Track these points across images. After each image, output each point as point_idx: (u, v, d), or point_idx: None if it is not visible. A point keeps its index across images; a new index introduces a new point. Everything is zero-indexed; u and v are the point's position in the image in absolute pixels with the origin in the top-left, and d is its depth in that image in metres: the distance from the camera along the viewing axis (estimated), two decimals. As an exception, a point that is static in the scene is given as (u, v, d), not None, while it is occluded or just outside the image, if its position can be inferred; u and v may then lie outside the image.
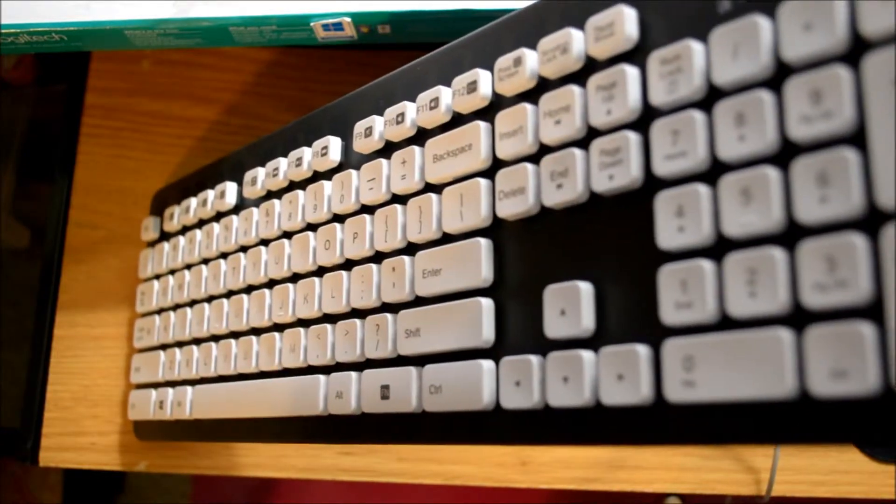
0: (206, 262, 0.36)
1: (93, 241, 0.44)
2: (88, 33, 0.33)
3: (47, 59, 0.49)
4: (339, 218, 0.29)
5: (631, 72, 0.20)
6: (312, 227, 0.30)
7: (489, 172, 0.24)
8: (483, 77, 0.24)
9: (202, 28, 0.32)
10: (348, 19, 0.31)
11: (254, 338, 0.32)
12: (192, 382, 0.35)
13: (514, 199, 0.23)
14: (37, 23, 0.32)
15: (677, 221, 0.19)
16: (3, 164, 0.53)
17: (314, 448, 0.42)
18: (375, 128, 0.28)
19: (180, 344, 0.37)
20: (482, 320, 0.23)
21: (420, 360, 0.25)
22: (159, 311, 0.38)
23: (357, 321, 0.27)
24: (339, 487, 0.80)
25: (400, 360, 0.26)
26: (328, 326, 0.28)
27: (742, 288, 0.17)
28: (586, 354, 0.20)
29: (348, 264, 0.29)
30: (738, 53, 0.18)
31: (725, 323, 0.18)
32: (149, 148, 0.44)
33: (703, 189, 0.18)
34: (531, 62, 0.23)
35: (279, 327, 0.31)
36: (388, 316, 0.26)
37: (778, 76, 0.18)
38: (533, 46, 0.23)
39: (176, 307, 0.37)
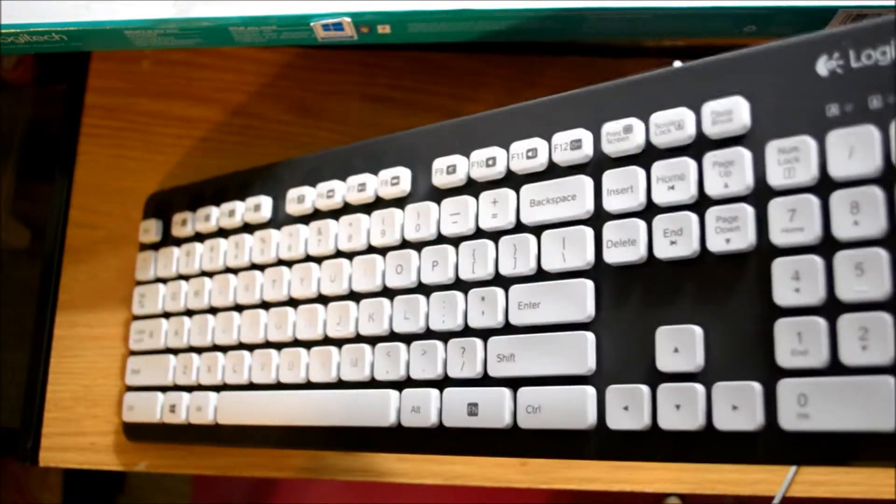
0: (233, 271, 0.38)
1: (93, 241, 0.44)
2: (88, 33, 0.33)
3: (47, 59, 0.49)
4: (410, 244, 0.33)
5: (747, 154, 0.25)
6: (377, 251, 0.34)
7: (589, 221, 0.29)
8: (587, 137, 0.29)
9: (202, 28, 0.33)
10: (348, 19, 0.31)
11: (302, 350, 0.35)
12: (215, 388, 0.38)
13: (623, 248, 0.27)
14: (37, 23, 0.33)
15: (794, 284, 0.24)
16: (3, 164, 0.53)
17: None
18: (459, 166, 0.32)
19: (199, 350, 0.38)
20: (587, 351, 0.27)
21: (508, 383, 0.29)
22: (166, 315, 0.40)
23: (438, 342, 0.31)
24: (339, 487, 0.80)
25: (486, 381, 0.30)
26: (401, 345, 0.32)
27: (855, 342, 0.22)
28: (699, 386, 0.25)
29: (422, 289, 0.32)
30: (854, 154, 0.23)
31: (837, 369, 0.23)
32: (149, 148, 0.45)
33: (818, 259, 0.24)
34: (640, 131, 0.28)
35: (335, 342, 0.34)
36: (477, 340, 0.30)
37: (887, 176, 0.23)
38: (635, 115, 0.28)
39: (189, 313, 0.39)
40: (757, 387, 0.24)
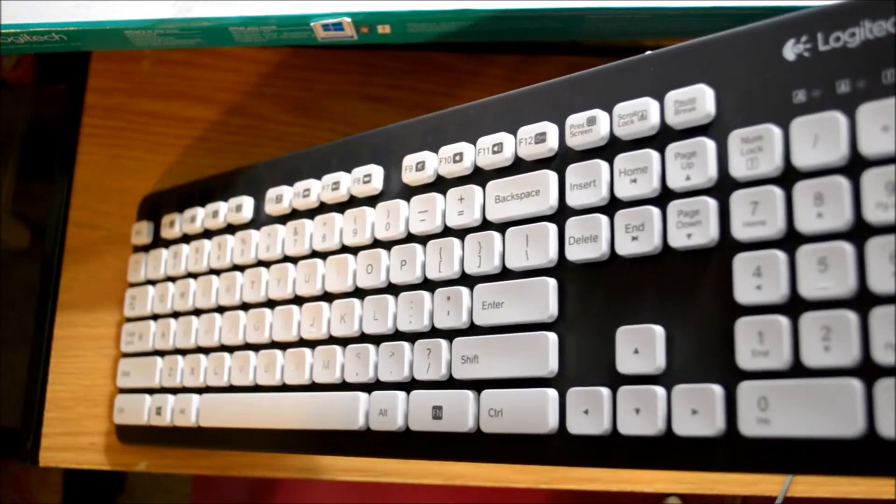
0: (216, 272, 0.37)
1: (93, 241, 0.44)
2: (88, 33, 0.33)
3: (47, 59, 0.49)
4: (381, 244, 0.32)
5: (710, 144, 0.24)
6: (350, 250, 0.33)
7: (553, 217, 0.27)
8: (551, 130, 0.28)
9: (202, 28, 0.33)
10: (348, 19, 0.31)
11: (278, 352, 0.34)
12: (198, 391, 0.37)
13: (585, 245, 0.26)
14: (37, 23, 0.33)
15: (755, 280, 0.22)
16: (3, 164, 0.53)
17: (314, 448, 0.42)
18: (428, 163, 0.31)
19: (183, 352, 0.38)
20: (549, 352, 0.26)
21: (472, 385, 0.28)
22: (155, 317, 0.40)
23: (405, 343, 0.30)
24: (339, 487, 0.80)
25: (451, 384, 0.29)
26: (370, 346, 0.31)
27: (817, 343, 0.21)
28: (659, 389, 0.24)
29: (391, 289, 0.31)
30: (818, 142, 0.22)
31: (799, 371, 0.21)
32: (149, 148, 0.45)
33: (781, 254, 0.22)
34: (604, 123, 0.27)
35: (308, 343, 0.33)
36: (442, 341, 0.29)
37: (853, 165, 0.21)
38: (599, 107, 0.27)
39: (176, 315, 0.39)
40: (717, 389, 0.23)
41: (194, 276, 0.38)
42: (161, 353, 0.39)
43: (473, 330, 0.28)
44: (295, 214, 0.35)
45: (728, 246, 0.23)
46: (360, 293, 0.32)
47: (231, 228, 0.37)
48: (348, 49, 0.45)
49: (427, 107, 0.45)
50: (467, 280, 0.29)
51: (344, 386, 0.31)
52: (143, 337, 0.39)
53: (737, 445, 0.22)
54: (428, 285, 0.30)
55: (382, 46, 0.46)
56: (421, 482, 0.40)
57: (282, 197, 0.35)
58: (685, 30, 0.33)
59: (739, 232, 0.23)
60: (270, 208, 0.35)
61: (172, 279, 0.39)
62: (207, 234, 0.38)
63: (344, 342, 0.32)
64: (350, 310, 0.31)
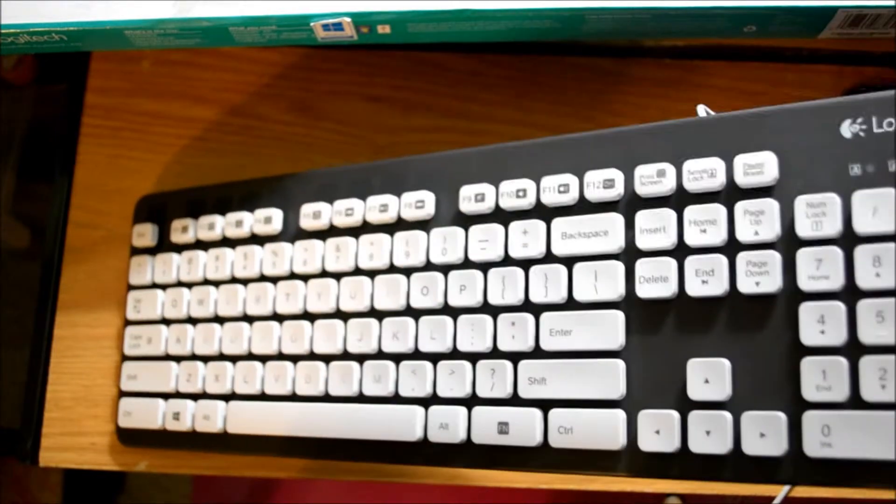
0: (241, 282, 0.39)
1: (93, 241, 0.44)
2: (88, 33, 0.33)
3: (47, 59, 0.49)
4: (435, 267, 0.35)
5: (776, 205, 0.29)
6: (400, 271, 0.35)
7: (620, 256, 0.31)
8: (619, 177, 0.31)
9: (202, 28, 0.33)
10: (348, 19, 0.31)
11: (321, 363, 0.36)
12: (223, 397, 0.39)
13: (655, 284, 0.30)
14: (37, 23, 0.33)
15: (819, 326, 0.27)
16: (3, 164, 0.54)
17: (314, 448, 0.42)
18: (488, 195, 0.34)
19: (204, 358, 0.39)
20: (619, 377, 0.30)
21: (538, 404, 0.32)
22: (165, 322, 0.41)
23: (465, 363, 0.33)
24: (339, 487, 0.80)
25: (516, 402, 0.32)
26: (426, 363, 0.34)
27: (875, 381, 0.26)
28: (727, 414, 0.28)
29: (448, 311, 0.34)
30: (877, 213, 0.27)
31: (858, 404, 0.26)
32: (149, 148, 0.45)
33: (842, 306, 0.27)
34: (672, 176, 0.31)
35: (354, 357, 0.36)
36: (506, 362, 0.32)
37: None
38: (667, 161, 0.31)
39: (193, 321, 0.40)
40: (783, 417, 0.27)
41: (214, 283, 0.40)
42: (175, 359, 0.40)
43: (538, 353, 0.32)
44: (334, 231, 0.37)
45: (793, 294, 0.28)
46: (412, 312, 0.35)
47: (258, 239, 0.39)
48: (348, 49, 0.45)
49: (428, 107, 0.46)
50: (530, 307, 0.32)
51: (397, 399, 0.34)
52: (152, 341, 0.41)
53: (801, 464, 0.27)
54: (488, 310, 0.33)
55: (382, 46, 0.46)
56: (421, 482, 0.40)
57: (320, 213, 0.37)
58: (685, 30, 0.33)
59: (805, 283, 0.27)
60: (306, 223, 0.38)
61: (187, 284, 0.41)
62: (229, 242, 0.40)
63: (396, 358, 0.35)
64: (403, 328, 0.34)
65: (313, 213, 0.37)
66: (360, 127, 0.46)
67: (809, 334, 0.27)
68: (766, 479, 0.27)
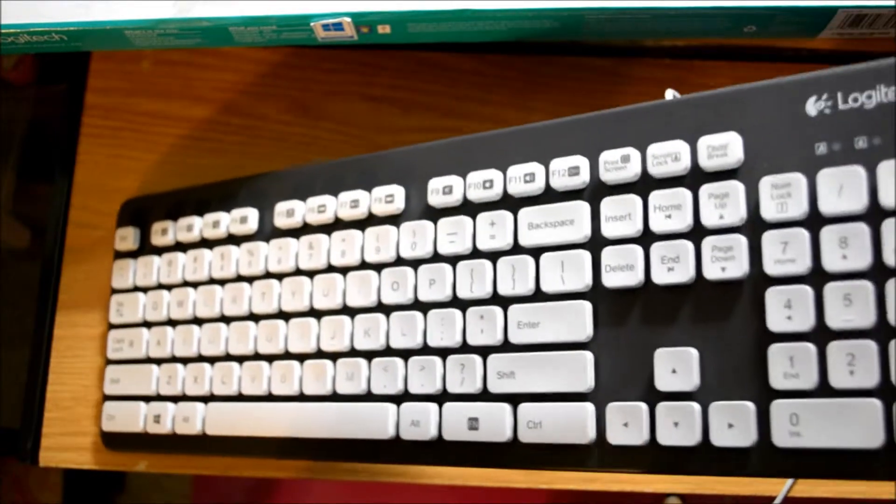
0: (219, 282, 0.39)
1: (93, 241, 0.44)
2: (88, 33, 0.33)
3: (47, 59, 0.49)
4: (406, 262, 0.34)
5: (741, 187, 0.28)
6: (372, 267, 0.35)
7: (587, 245, 0.30)
8: (584, 164, 0.31)
9: (202, 28, 0.33)
10: (348, 19, 0.31)
11: (295, 363, 0.36)
12: (202, 399, 0.39)
13: (621, 273, 0.29)
14: (37, 23, 0.33)
15: (786, 311, 0.26)
16: (3, 164, 0.54)
17: (314, 448, 0.42)
18: (455, 187, 0.33)
19: (184, 360, 0.39)
20: (586, 369, 0.30)
21: (508, 398, 0.31)
22: (147, 325, 0.41)
23: (436, 358, 0.32)
24: (339, 487, 0.80)
25: (486, 397, 0.32)
26: (398, 360, 0.33)
27: (843, 367, 0.25)
28: (696, 405, 0.27)
29: (418, 306, 0.34)
30: (843, 192, 0.26)
31: (826, 391, 0.25)
32: (149, 148, 0.45)
33: (809, 289, 0.26)
34: (637, 161, 0.30)
35: (328, 355, 0.35)
36: (476, 357, 0.32)
37: (874, 214, 0.25)
38: (632, 146, 0.30)
39: (173, 323, 0.40)
40: (751, 406, 0.27)
41: (193, 284, 0.40)
42: (156, 361, 0.40)
43: (507, 347, 0.31)
44: (308, 229, 0.37)
45: (759, 279, 0.27)
46: (383, 308, 0.34)
47: (234, 239, 0.39)
48: (348, 49, 0.45)
49: (428, 107, 0.46)
50: (499, 300, 0.32)
51: (369, 397, 0.34)
52: (133, 344, 0.41)
53: (770, 454, 0.26)
54: (458, 304, 0.33)
55: (382, 46, 0.46)
56: (421, 482, 0.40)
57: (293, 211, 0.37)
58: (685, 30, 0.33)
59: (771, 268, 0.27)
60: (280, 221, 0.37)
61: (167, 287, 0.41)
62: (207, 243, 0.40)
63: (369, 355, 0.34)
64: (375, 324, 0.34)
65: (287, 211, 0.37)
66: (360, 127, 0.46)
67: (776, 320, 0.26)
68: (734, 471, 0.27)
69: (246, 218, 0.38)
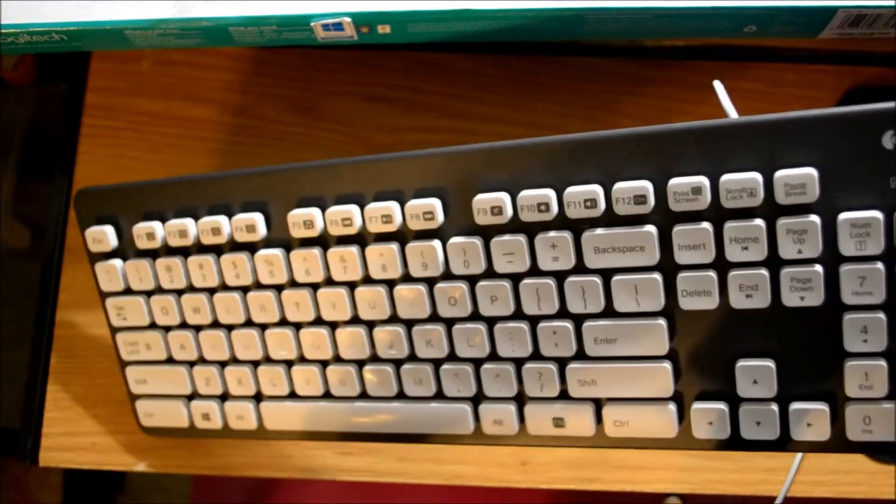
0: (243, 290, 0.37)
1: (93, 241, 0.44)
2: (88, 33, 0.33)
3: (47, 59, 0.49)
4: (452, 276, 0.34)
5: (818, 222, 0.28)
6: (419, 281, 0.34)
7: (657, 269, 0.31)
8: (650, 191, 0.30)
9: (202, 28, 0.33)
10: (348, 19, 0.31)
11: (352, 368, 0.36)
12: (251, 398, 0.39)
13: (698, 297, 0.30)
14: (37, 23, 0.33)
15: (862, 335, 0.29)
16: (3, 164, 0.54)
17: (314, 448, 0.42)
18: (506, 208, 0.32)
19: (219, 363, 0.39)
20: (668, 379, 0.32)
21: (590, 400, 0.33)
22: (161, 328, 0.39)
23: (510, 367, 0.34)
24: (339, 487, 0.81)
25: (565, 399, 0.34)
26: (467, 367, 0.34)
27: None
28: (776, 407, 0.31)
29: (479, 319, 0.34)
30: None
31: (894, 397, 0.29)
32: (149, 148, 0.45)
33: (884, 317, 0.28)
34: (707, 192, 0.29)
35: (387, 361, 0.36)
36: (552, 366, 0.33)
37: None
38: (703, 174, 0.30)
39: (191, 327, 0.39)
40: (826, 409, 0.30)
41: (205, 290, 0.38)
42: (182, 363, 0.40)
43: (583, 358, 0.33)
44: (334, 240, 0.35)
45: (836, 307, 0.29)
46: (441, 320, 0.34)
47: (238, 246, 0.37)
48: (348, 49, 0.45)
49: (428, 107, 0.46)
50: (569, 317, 0.32)
51: (441, 398, 0.35)
52: (151, 347, 0.40)
53: (843, 446, 0.30)
54: (523, 319, 0.33)
55: (382, 46, 0.46)
56: (421, 482, 0.40)
57: (312, 222, 0.35)
58: (686, 30, 0.33)
59: (849, 299, 0.29)
60: (297, 231, 0.35)
61: (174, 291, 0.39)
62: (203, 248, 0.38)
63: (435, 362, 0.35)
64: (435, 336, 0.34)
65: (304, 222, 0.34)
66: (360, 127, 0.46)
67: (852, 342, 0.29)
68: (813, 449, 0.31)
69: (254, 226, 0.36)
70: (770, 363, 0.30)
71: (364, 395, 0.36)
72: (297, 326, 0.37)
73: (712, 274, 0.30)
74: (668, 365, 0.31)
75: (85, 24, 0.34)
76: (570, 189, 0.31)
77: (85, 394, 0.44)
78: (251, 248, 0.36)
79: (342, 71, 0.46)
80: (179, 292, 0.39)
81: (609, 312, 0.32)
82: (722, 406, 0.31)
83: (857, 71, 0.43)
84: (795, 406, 0.30)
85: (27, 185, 0.57)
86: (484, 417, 0.34)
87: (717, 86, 0.33)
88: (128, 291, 0.40)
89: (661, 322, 0.31)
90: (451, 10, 0.33)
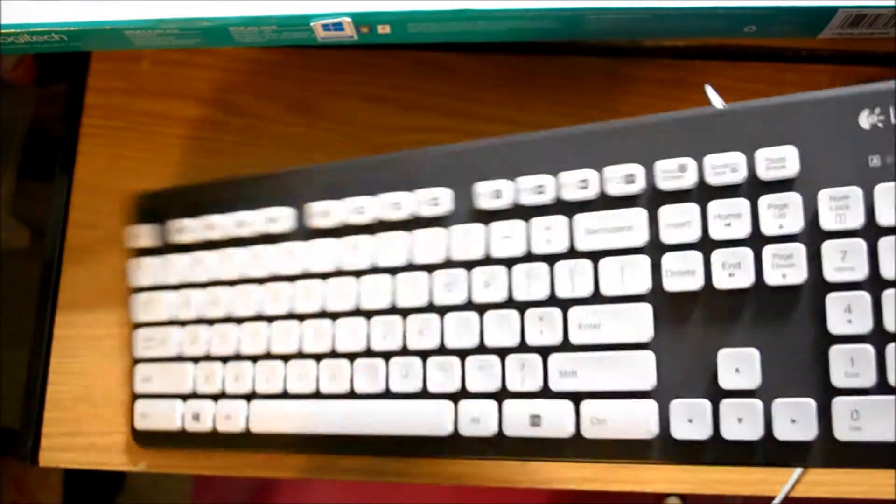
0: (256, 281, 0.39)
1: (93, 241, 0.44)
2: (88, 33, 0.33)
3: (47, 59, 0.49)
4: (455, 263, 0.35)
5: (799, 198, 0.29)
6: (420, 268, 0.35)
7: (645, 250, 0.31)
8: (639, 171, 0.32)
9: (202, 28, 0.33)
10: (348, 19, 0.31)
11: (345, 361, 0.36)
12: (244, 397, 0.39)
13: (682, 277, 0.31)
14: (37, 23, 0.33)
15: (846, 315, 0.28)
16: (3, 164, 0.54)
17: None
18: (505, 191, 0.34)
19: (223, 359, 0.39)
20: (649, 369, 0.31)
21: (569, 396, 0.32)
22: (178, 323, 0.40)
23: (495, 357, 0.33)
24: (339, 487, 0.80)
25: (547, 395, 0.32)
26: (454, 359, 0.34)
27: None
28: (758, 402, 0.29)
29: (472, 307, 0.34)
30: None
31: (885, 389, 0.27)
32: (149, 148, 0.45)
33: (868, 295, 0.28)
34: (693, 170, 0.31)
35: (379, 354, 0.36)
36: (536, 356, 0.33)
37: None
38: (687, 154, 0.31)
39: (206, 321, 0.40)
40: (813, 403, 0.28)
41: (226, 283, 0.39)
42: (191, 360, 0.40)
43: (568, 347, 0.32)
44: (348, 230, 0.37)
45: (819, 284, 0.29)
46: (437, 309, 0.35)
47: (266, 238, 0.39)
48: (348, 49, 0.45)
49: (428, 107, 0.46)
50: (557, 302, 0.33)
51: (425, 395, 0.34)
52: (165, 342, 0.40)
53: (832, 447, 0.28)
54: (514, 305, 0.33)
55: (382, 46, 0.46)
56: (421, 482, 0.40)
57: (329, 211, 0.37)
58: (685, 30, 0.34)
59: (831, 275, 0.28)
60: (317, 222, 0.37)
61: (196, 285, 0.40)
62: (236, 241, 0.39)
63: (423, 354, 0.35)
64: (429, 324, 0.34)
65: (322, 212, 0.37)
66: (360, 127, 0.46)
67: (836, 323, 0.28)
68: (795, 462, 0.29)
69: (276, 218, 0.38)
70: (754, 350, 0.29)
71: (353, 394, 0.36)
72: (300, 318, 0.37)
73: (697, 253, 0.30)
74: (650, 353, 0.31)
75: (85, 24, 0.35)
76: (565, 172, 0.33)
77: (85, 394, 0.44)
78: (277, 238, 0.38)
79: (342, 71, 0.46)
80: (201, 286, 0.40)
81: (596, 298, 0.32)
82: (703, 401, 0.30)
83: (857, 71, 0.43)
84: (780, 401, 0.29)
85: (27, 185, 0.57)
86: (462, 416, 0.33)
87: (709, 90, 0.33)
88: (157, 288, 0.41)
89: (645, 305, 0.31)
90: (451, 10, 0.33)
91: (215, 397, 0.39)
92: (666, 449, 0.30)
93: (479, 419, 0.33)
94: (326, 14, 0.34)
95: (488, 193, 0.34)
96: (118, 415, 0.44)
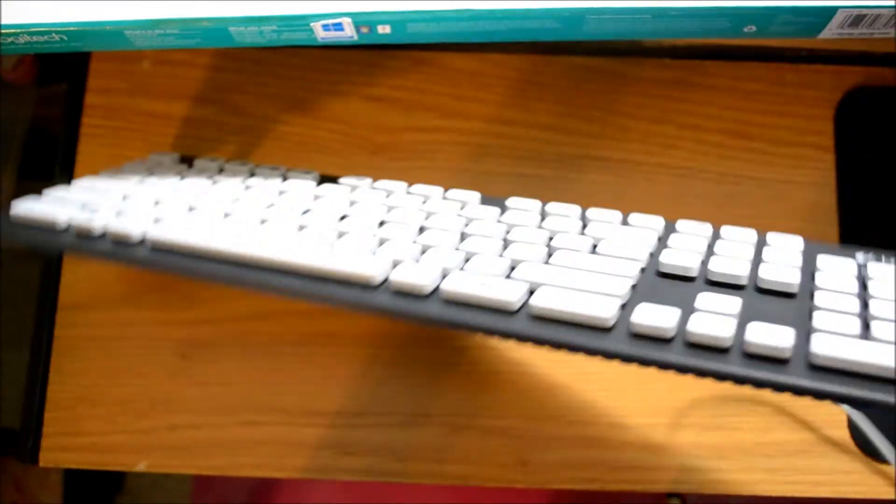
0: None
1: (93, 241, 0.44)
2: (88, 33, 0.33)
3: (47, 59, 0.49)
4: None
5: None
6: None
7: None
8: None
9: (202, 28, 0.33)
10: (348, 19, 0.31)
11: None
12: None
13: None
14: (37, 23, 0.33)
15: None
16: (3, 164, 0.54)
17: (314, 448, 0.42)
18: None
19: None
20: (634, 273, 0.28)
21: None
22: None
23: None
24: (339, 487, 0.81)
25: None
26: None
27: None
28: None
29: None
30: None
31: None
32: (149, 148, 0.45)
33: None
34: None
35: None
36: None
37: None
38: None
39: None
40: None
41: None
42: None
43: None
44: None
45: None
46: None
47: None
48: (348, 49, 0.45)
49: (428, 107, 0.46)
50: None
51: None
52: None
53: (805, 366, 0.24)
54: None
55: (382, 46, 0.46)
56: (421, 482, 0.40)
57: None
58: (685, 30, 0.33)
59: None
60: None
61: None
62: None
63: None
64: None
65: None
66: (359, 127, 0.46)
67: None
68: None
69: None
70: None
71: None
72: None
73: None
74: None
75: (85, 24, 0.35)
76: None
77: (85, 394, 0.44)
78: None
79: (342, 71, 0.46)
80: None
81: None
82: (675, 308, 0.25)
83: (857, 71, 0.43)
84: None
85: (27, 185, 0.57)
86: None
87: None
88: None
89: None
90: (451, 10, 0.33)
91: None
92: (622, 338, 0.24)
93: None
94: (326, 14, 0.34)
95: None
96: (118, 415, 0.44)
